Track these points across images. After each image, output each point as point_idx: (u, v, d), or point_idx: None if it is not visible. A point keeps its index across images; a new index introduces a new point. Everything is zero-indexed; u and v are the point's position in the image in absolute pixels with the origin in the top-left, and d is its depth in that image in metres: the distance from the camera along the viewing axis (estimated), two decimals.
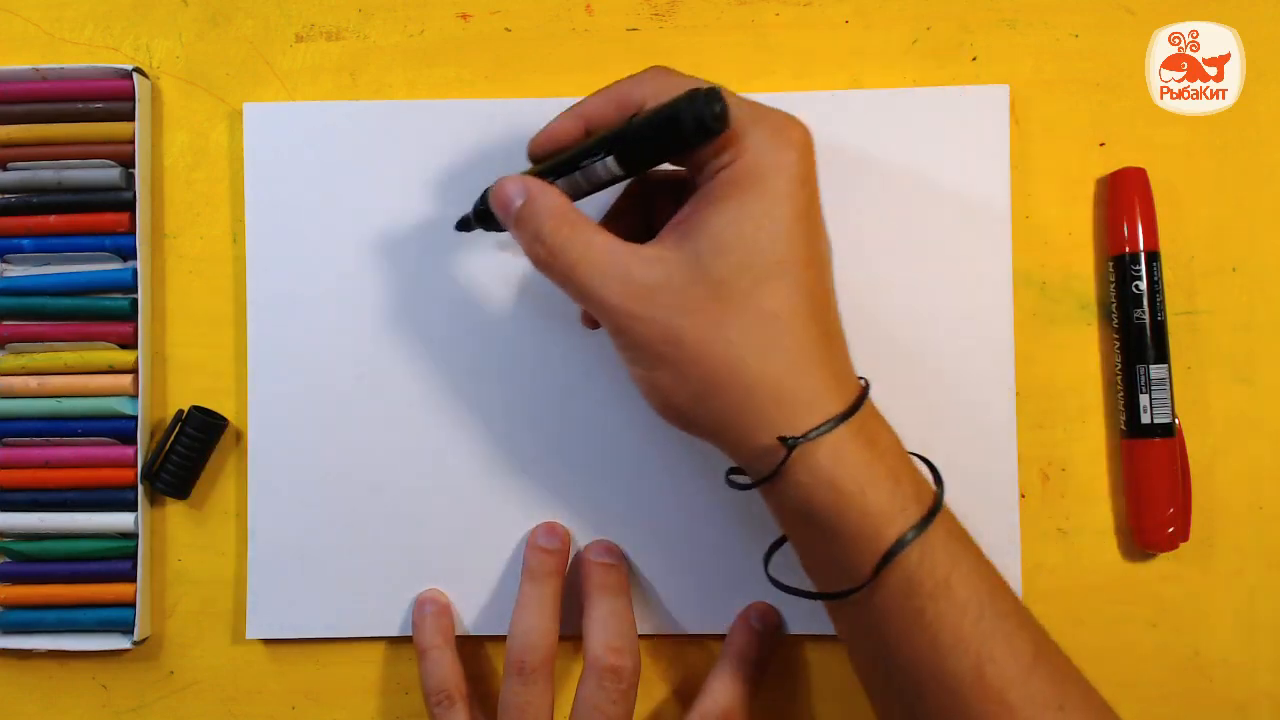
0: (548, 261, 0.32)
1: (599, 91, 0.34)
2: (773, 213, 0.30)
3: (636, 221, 0.37)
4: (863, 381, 0.33)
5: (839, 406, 0.31)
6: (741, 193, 0.31)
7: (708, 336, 0.30)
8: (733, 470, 0.34)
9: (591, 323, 0.39)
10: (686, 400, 0.32)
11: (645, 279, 0.31)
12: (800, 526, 0.33)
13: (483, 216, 0.37)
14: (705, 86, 0.30)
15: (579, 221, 0.32)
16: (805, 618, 0.41)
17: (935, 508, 0.32)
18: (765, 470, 0.31)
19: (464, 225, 0.39)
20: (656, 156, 0.32)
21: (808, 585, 0.35)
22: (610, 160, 0.32)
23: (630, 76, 0.34)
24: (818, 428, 0.30)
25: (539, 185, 0.33)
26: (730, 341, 0.30)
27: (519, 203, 0.33)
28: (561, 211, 0.33)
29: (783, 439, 0.30)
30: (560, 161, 0.34)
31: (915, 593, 0.31)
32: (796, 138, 0.32)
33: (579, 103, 0.35)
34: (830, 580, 0.33)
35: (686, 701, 0.42)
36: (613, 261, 0.31)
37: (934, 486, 0.33)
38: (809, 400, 0.31)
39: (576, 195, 0.34)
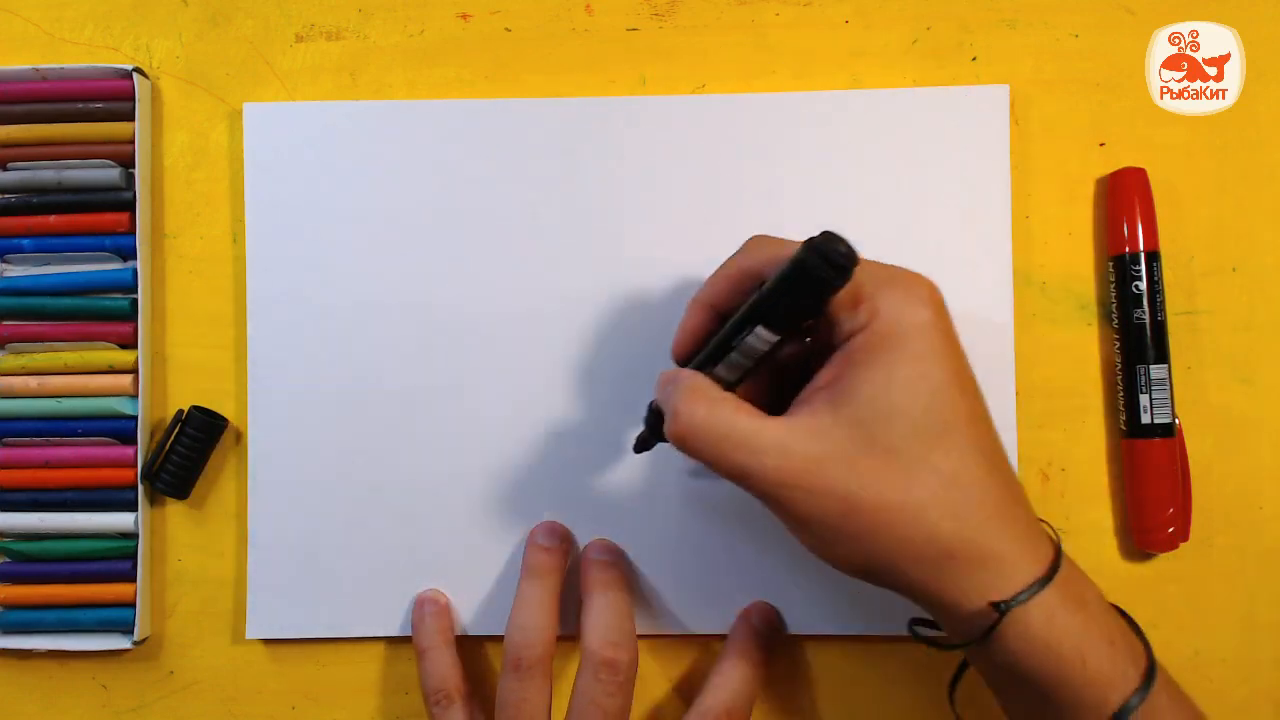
0: (689, 440, 0.31)
1: (711, 278, 0.34)
2: (927, 374, 0.30)
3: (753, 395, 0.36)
4: (1052, 534, 0.32)
5: (1039, 564, 0.30)
6: (887, 355, 0.30)
7: (894, 503, 0.29)
8: (919, 621, 0.33)
9: (642, 448, 0.38)
10: (877, 567, 0.30)
11: (810, 451, 0.30)
12: (1013, 687, 0.32)
13: (655, 429, 0.36)
14: (824, 234, 0.29)
15: (722, 397, 0.31)
16: (806, 618, 0.41)
17: (1151, 667, 0.31)
18: (972, 633, 0.30)
19: (642, 445, 0.38)
20: (800, 312, 0.31)
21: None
22: (761, 330, 0.31)
23: (736, 253, 0.34)
24: (1027, 589, 0.29)
25: (687, 371, 0.33)
26: (920, 508, 0.29)
27: (667, 388, 0.33)
28: (700, 386, 0.32)
29: (995, 604, 0.29)
30: (711, 351, 0.33)
31: None
32: (927, 294, 0.31)
33: (698, 294, 0.34)
34: None
35: (687, 700, 0.42)
36: (766, 435, 0.30)
37: (1140, 640, 0.32)
38: (1013, 560, 0.30)
39: (741, 377, 0.33)
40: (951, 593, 0.30)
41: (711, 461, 0.31)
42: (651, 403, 0.36)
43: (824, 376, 0.31)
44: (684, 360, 0.35)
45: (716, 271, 0.34)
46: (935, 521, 0.29)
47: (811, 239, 0.29)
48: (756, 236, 0.34)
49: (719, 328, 0.33)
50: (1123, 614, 0.33)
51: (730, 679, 0.39)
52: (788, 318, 0.31)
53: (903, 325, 0.30)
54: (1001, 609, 0.29)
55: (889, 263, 0.32)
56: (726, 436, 0.30)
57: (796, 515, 0.30)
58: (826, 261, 0.29)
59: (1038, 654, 0.30)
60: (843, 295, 0.30)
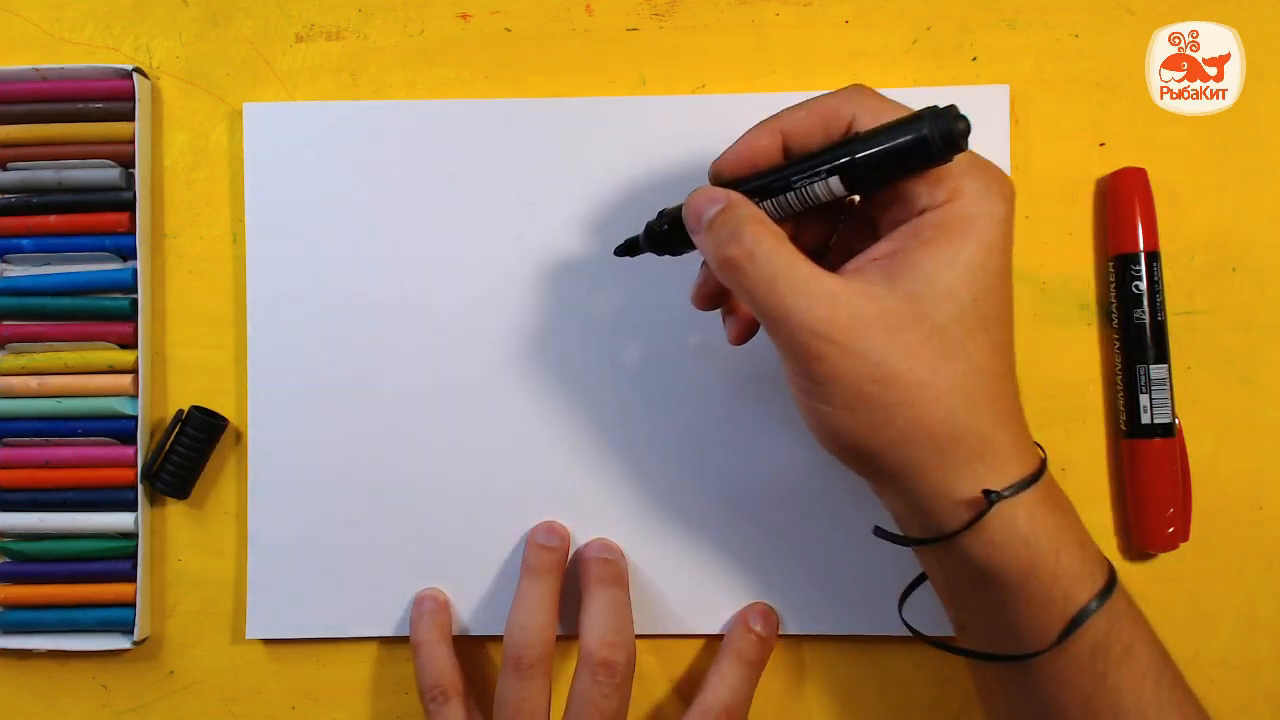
0: (744, 267, 0.30)
1: (796, 106, 0.32)
2: (987, 265, 0.29)
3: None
4: (1039, 448, 0.33)
5: (1032, 466, 0.31)
6: (956, 239, 0.29)
7: (923, 381, 0.29)
8: (881, 530, 0.33)
9: (707, 302, 0.36)
10: (880, 443, 0.30)
11: (858, 309, 0.29)
12: (977, 587, 0.31)
13: (657, 239, 0.35)
14: (942, 106, 0.29)
15: (780, 235, 0.30)
16: (804, 618, 0.41)
17: (1113, 577, 0.32)
18: (954, 524, 0.30)
19: (627, 249, 0.36)
20: (890, 177, 0.30)
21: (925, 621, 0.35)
22: (835, 180, 0.30)
23: (830, 93, 0.32)
24: (1019, 482, 0.30)
25: (739, 196, 0.31)
26: (944, 389, 0.29)
27: (713, 210, 0.31)
28: (764, 220, 0.31)
29: (987, 492, 0.30)
30: (764, 184, 0.32)
31: (1101, 657, 0.31)
32: (1009, 189, 0.30)
33: (772, 118, 0.32)
34: (999, 643, 0.32)
35: (687, 700, 0.42)
36: (820, 284, 0.29)
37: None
38: (1009, 456, 0.30)
39: (782, 218, 0.32)
40: (946, 479, 0.30)
41: (757, 297, 0.30)
42: (666, 211, 0.34)
43: (882, 248, 0.30)
44: (725, 180, 0.33)
45: (802, 104, 0.32)
46: (952, 405, 0.29)
47: (934, 109, 0.29)
48: (856, 86, 0.32)
49: (778, 161, 0.32)
50: None
51: (727, 679, 0.39)
52: (873, 179, 0.30)
53: (978, 213, 0.29)
54: (993, 498, 0.29)
55: None
56: (784, 274, 0.29)
57: (824, 371, 0.29)
58: (946, 140, 0.28)
59: (1013, 546, 0.30)
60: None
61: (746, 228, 0.30)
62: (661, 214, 0.35)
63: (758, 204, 0.32)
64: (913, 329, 0.29)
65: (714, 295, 0.36)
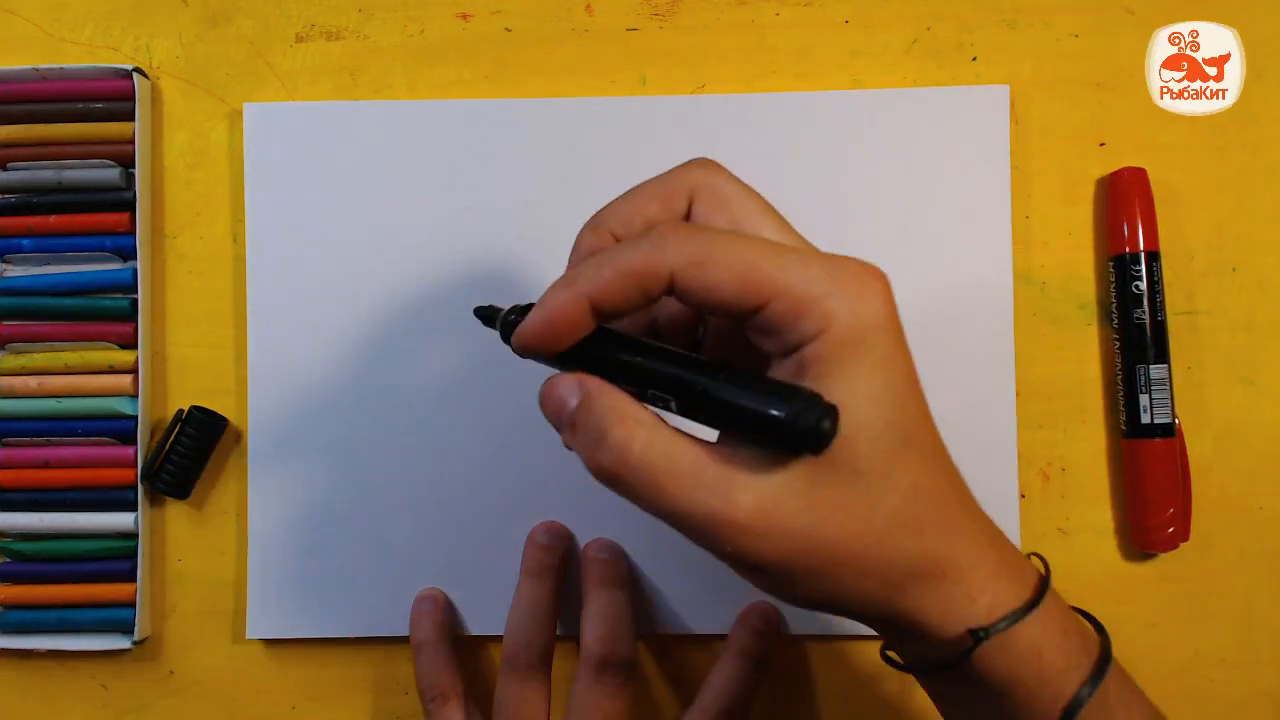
0: (623, 477, 0.26)
1: (594, 262, 0.26)
2: (887, 384, 0.26)
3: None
4: (1039, 565, 0.30)
5: (1009, 572, 0.28)
6: (845, 369, 0.25)
7: (853, 532, 0.26)
8: (888, 648, 0.32)
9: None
10: (836, 600, 0.27)
11: (761, 488, 0.25)
12: (968, 698, 0.30)
13: (503, 327, 0.31)
14: (809, 393, 0.24)
15: (653, 423, 0.26)
16: (807, 619, 0.41)
17: (1103, 657, 0.29)
18: (940, 655, 0.28)
19: (485, 317, 0.33)
20: (739, 432, 0.26)
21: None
22: (673, 404, 0.26)
23: (637, 242, 0.26)
24: (1008, 615, 0.27)
25: (597, 382, 0.27)
26: (880, 531, 0.26)
27: (573, 403, 0.27)
28: (627, 410, 0.26)
29: (972, 631, 0.27)
30: (608, 372, 0.28)
31: None
32: (879, 288, 0.26)
33: (572, 277, 0.27)
34: None
35: (687, 700, 0.42)
36: (709, 471, 0.26)
37: (1095, 633, 0.31)
38: (980, 571, 0.28)
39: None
40: (917, 615, 0.27)
41: (648, 504, 0.26)
42: (512, 315, 0.30)
43: None
44: (535, 356, 0.29)
45: (615, 259, 0.26)
46: (897, 541, 0.26)
47: (809, 403, 0.24)
48: (685, 226, 0.27)
49: (589, 329, 0.27)
50: (1083, 614, 0.32)
51: (730, 678, 0.39)
52: (722, 427, 0.26)
53: (859, 331, 0.25)
54: (979, 635, 0.27)
55: (839, 254, 0.27)
56: (666, 474, 0.26)
57: (746, 561, 0.26)
58: (806, 437, 0.24)
59: (992, 656, 0.28)
60: (783, 304, 0.25)
61: (612, 430, 0.26)
62: (510, 312, 0.30)
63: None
64: (827, 485, 0.25)
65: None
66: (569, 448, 0.28)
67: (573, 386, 0.27)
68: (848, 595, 0.27)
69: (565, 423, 0.28)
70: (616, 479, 0.27)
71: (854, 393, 0.25)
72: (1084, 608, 0.42)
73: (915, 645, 0.29)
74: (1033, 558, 0.31)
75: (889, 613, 0.27)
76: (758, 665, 0.40)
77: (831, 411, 0.24)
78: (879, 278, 0.27)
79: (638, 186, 0.29)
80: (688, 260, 0.26)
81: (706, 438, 0.27)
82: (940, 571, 0.27)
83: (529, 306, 0.28)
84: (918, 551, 0.27)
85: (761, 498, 0.25)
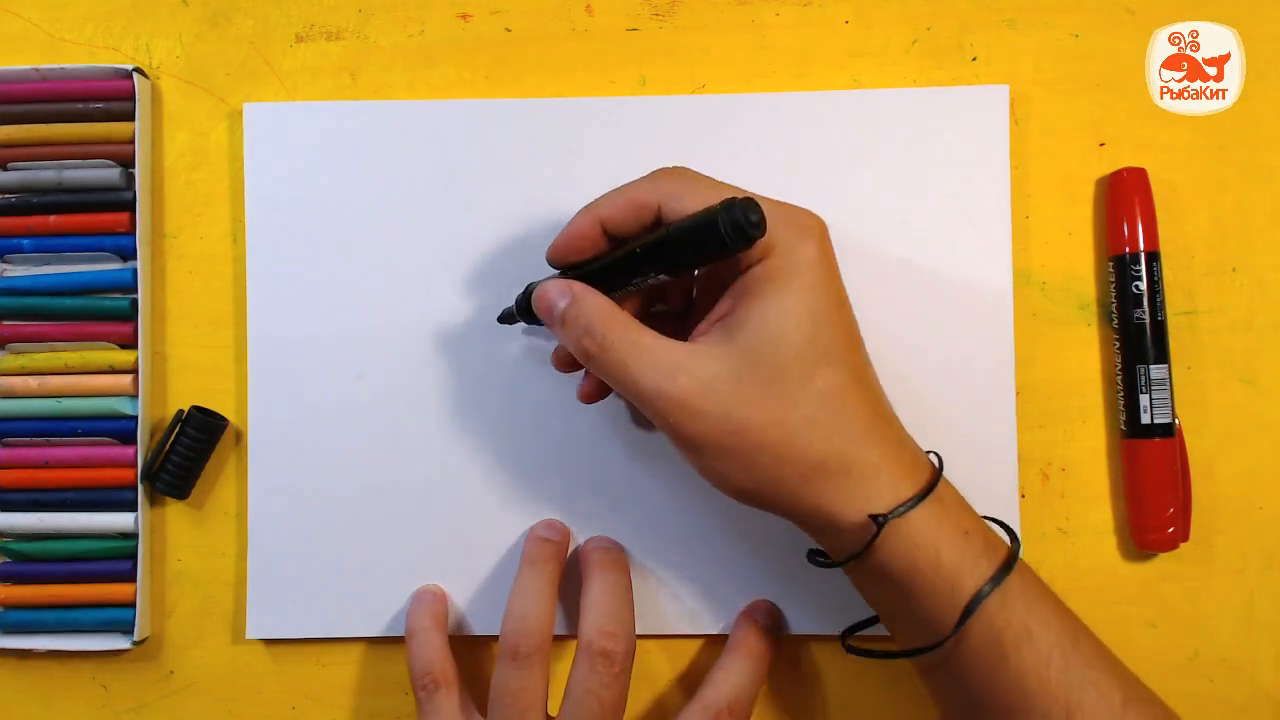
0: (597, 356, 0.33)
1: (609, 194, 0.35)
2: (812, 304, 0.32)
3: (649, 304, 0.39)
4: (933, 457, 0.35)
5: (910, 473, 0.33)
6: (778, 288, 0.32)
7: (770, 422, 0.32)
8: (815, 551, 0.36)
9: (566, 365, 0.39)
10: (758, 485, 0.33)
11: (700, 374, 0.32)
12: (880, 590, 0.34)
13: (526, 311, 0.38)
14: (740, 196, 0.31)
15: (626, 320, 0.34)
16: (808, 618, 0.41)
17: (1010, 558, 0.33)
18: (852, 546, 0.33)
19: (507, 318, 0.40)
20: (697, 262, 0.34)
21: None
22: (653, 273, 0.34)
23: (640, 181, 0.35)
24: (904, 504, 0.32)
25: (582, 286, 0.35)
26: (794, 426, 0.32)
27: (563, 304, 0.34)
28: (608, 310, 0.34)
29: (873, 517, 0.32)
30: (601, 269, 0.35)
31: (998, 641, 0.32)
32: (817, 229, 0.33)
33: (591, 206, 0.35)
34: (917, 638, 0.34)
35: (689, 695, 0.42)
36: (664, 358, 0.32)
37: (1006, 541, 0.35)
38: (881, 470, 0.32)
39: (623, 297, 0.36)
40: (826, 505, 0.32)
41: (614, 379, 0.33)
42: (530, 286, 0.37)
43: (721, 308, 0.34)
44: (560, 265, 0.37)
45: (618, 192, 0.35)
46: (808, 437, 0.32)
47: (728, 202, 0.30)
48: (665, 170, 0.35)
49: (602, 246, 0.35)
50: (997, 522, 0.36)
51: (733, 674, 0.39)
52: (683, 265, 0.33)
53: (793, 260, 0.32)
54: (880, 521, 0.32)
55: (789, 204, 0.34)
56: (633, 357, 0.33)
57: (686, 434, 0.32)
58: (737, 231, 0.30)
59: (892, 547, 0.32)
60: None
61: (594, 321, 0.33)
62: (526, 289, 0.38)
63: (604, 287, 0.35)
64: (753, 380, 0.32)
65: (571, 360, 0.38)
66: (556, 336, 0.35)
67: (562, 289, 0.35)
68: (769, 482, 0.32)
69: (556, 319, 0.35)
70: (593, 359, 0.33)
71: (783, 309, 0.32)
72: (1084, 608, 0.42)
73: (830, 538, 0.34)
74: (930, 454, 0.35)
75: (803, 504, 0.33)
76: (761, 661, 0.40)
77: (752, 203, 0.30)
78: (818, 223, 0.34)
79: (619, 190, 0.35)
80: (670, 194, 0.33)
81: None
82: (846, 469, 0.32)
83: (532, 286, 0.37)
84: (825, 449, 0.32)
85: (697, 382, 0.32)
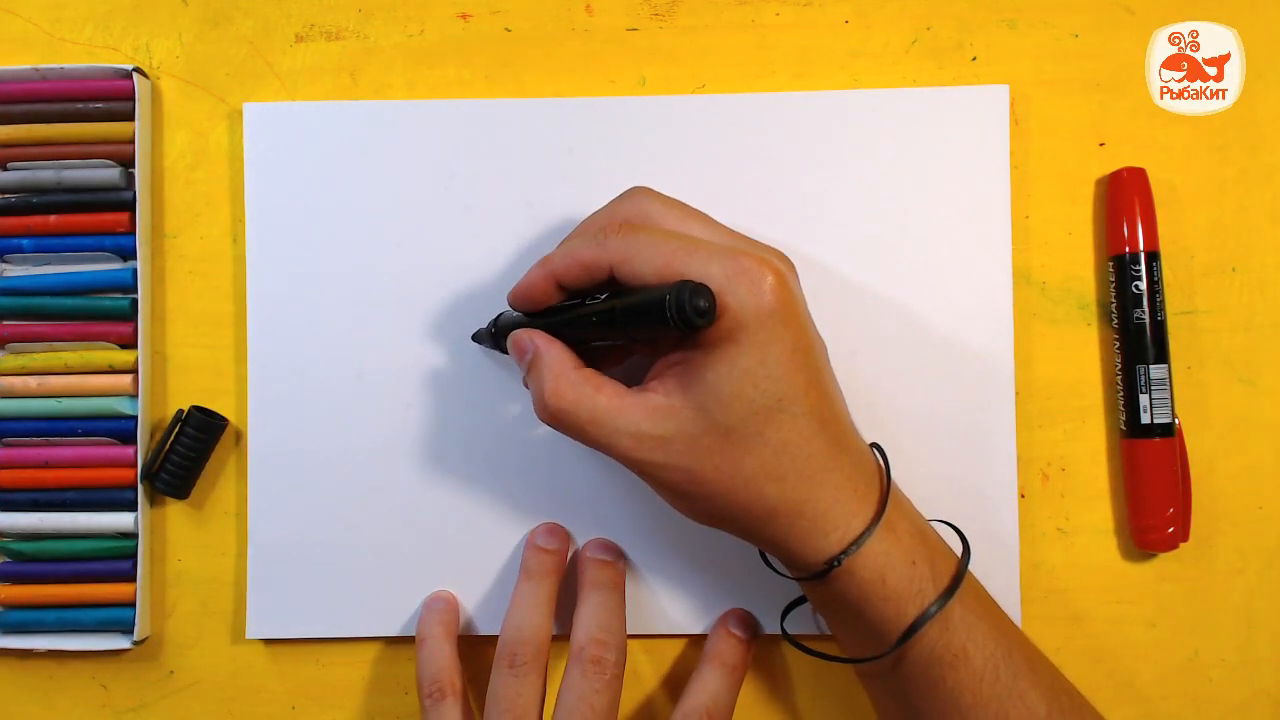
0: (560, 417, 0.34)
1: (565, 247, 0.35)
2: (766, 360, 0.32)
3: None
4: (876, 453, 0.36)
5: (862, 507, 0.34)
6: (731, 345, 0.32)
7: (725, 474, 0.33)
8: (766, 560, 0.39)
9: (480, 342, 0.41)
10: (719, 521, 0.35)
11: (657, 432, 0.33)
12: (828, 606, 0.36)
13: (494, 337, 0.39)
14: (691, 281, 0.31)
15: (580, 383, 0.34)
16: (791, 620, 0.41)
17: (952, 585, 0.34)
18: (809, 574, 0.35)
19: (480, 338, 0.41)
20: (646, 336, 0.35)
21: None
22: (607, 337, 0.35)
23: (591, 238, 0.35)
24: (854, 541, 0.33)
25: (544, 340, 0.36)
26: (749, 475, 0.33)
27: (525, 360, 0.36)
28: (562, 373, 0.35)
29: (829, 561, 0.34)
30: (561, 322, 0.36)
31: (935, 662, 0.34)
32: (770, 282, 0.32)
33: (548, 259, 0.36)
34: (859, 649, 0.36)
35: (671, 697, 0.42)
36: (622, 417, 0.33)
37: (957, 555, 0.36)
38: (833, 509, 0.34)
39: (583, 346, 0.37)
40: (781, 542, 0.34)
41: (580, 437, 0.34)
42: (499, 316, 0.39)
43: (678, 355, 0.34)
44: (520, 311, 0.38)
45: (573, 249, 0.35)
46: (761, 486, 0.33)
47: (679, 286, 0.30)
48: (624, 227, 0.34)
49: (556, 298, 0.36)
50: (955, 529, 0.37)
51: (710, 682, 0.40)
52: (636, 338, 0.35)
53: (745, 318, 0.32)
54: (833, 564, 0.33)
55: (749, 241, 0.35)
56: (591, 420, 0.34)
57: (652, 481, 0.35)
58: (683, 319, 0.30)
59: (843, 580, 0.34)
60: None
61: (552, 383, 0.34)
62: (495, 318, 0.40)
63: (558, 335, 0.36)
64: (708, 435, 0.33)
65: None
66: (526, 386, 0.37)
67: (524, 346, 0.36)
68: (728, 520, 0.35)
69: (525, 369, 0.36)
70: (557, 420, 0.35)
71: (734, 368, 0.32)
72: (1083, 608, 0.42)
73: (790, 566, 0.36)
74: (873, 447, 0.36)
75: (761, 540, 0.35)
76: (735, 669, 0.40)
77: (702, 290, 0.30)
78: (772, 271, 0.32)
79: (580, 225, 0.37)
80: (622, 257, 0.33)
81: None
82: (799, 511, 0.33)
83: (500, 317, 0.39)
84: (779, 496, 0.33)
85: (660, 440, 0.33)
